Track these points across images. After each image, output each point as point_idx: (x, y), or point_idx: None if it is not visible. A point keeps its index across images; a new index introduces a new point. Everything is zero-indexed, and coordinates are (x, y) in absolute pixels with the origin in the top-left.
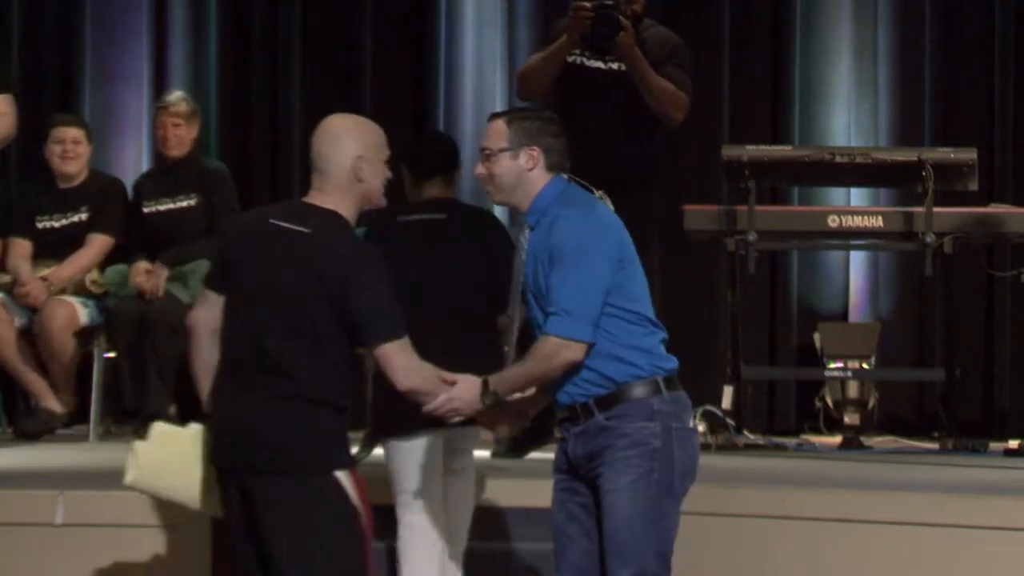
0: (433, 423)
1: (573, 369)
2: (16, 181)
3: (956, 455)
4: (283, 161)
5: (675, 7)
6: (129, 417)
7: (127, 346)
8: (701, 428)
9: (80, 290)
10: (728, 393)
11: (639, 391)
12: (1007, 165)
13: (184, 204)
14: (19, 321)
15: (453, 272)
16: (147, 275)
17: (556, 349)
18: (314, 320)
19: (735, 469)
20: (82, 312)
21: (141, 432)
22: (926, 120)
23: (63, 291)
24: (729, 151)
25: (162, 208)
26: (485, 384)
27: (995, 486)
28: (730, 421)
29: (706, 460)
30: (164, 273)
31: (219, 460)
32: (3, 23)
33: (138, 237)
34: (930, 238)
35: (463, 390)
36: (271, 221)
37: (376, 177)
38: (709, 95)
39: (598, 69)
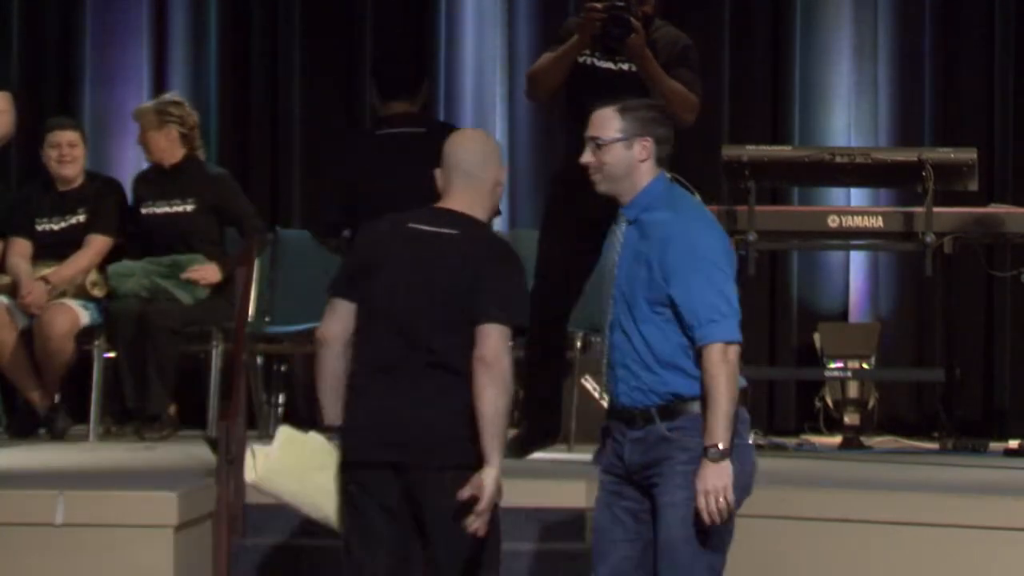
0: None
1: (683, 363)
2: (16, 181)
3: (956, 455)
4: (283, 161)
5: (675, 7)
6: (129, 417)
7: (127, 346)
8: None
9: (80, 292)
10: None
11: (700, 407)
12: (1007, 165)
13: (181, 209)
14: (21, 323)
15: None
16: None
17: (724, 352)
18: (467, 315)
19: None
20: (83, 315)
21: (141, 432)
22: (926, 120)
23: (63, 294)
24: (729, 151)
25: (159, 211)
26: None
27: (995, 486)
28: None
29: None
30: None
31: (375, 456)
32: (3, 23)
33: (136, 237)
34: (930, 238)
35: (710, 476)
36: (411, 225)
37: (499, 199)
38: (709, 95)
39: (608, 70)
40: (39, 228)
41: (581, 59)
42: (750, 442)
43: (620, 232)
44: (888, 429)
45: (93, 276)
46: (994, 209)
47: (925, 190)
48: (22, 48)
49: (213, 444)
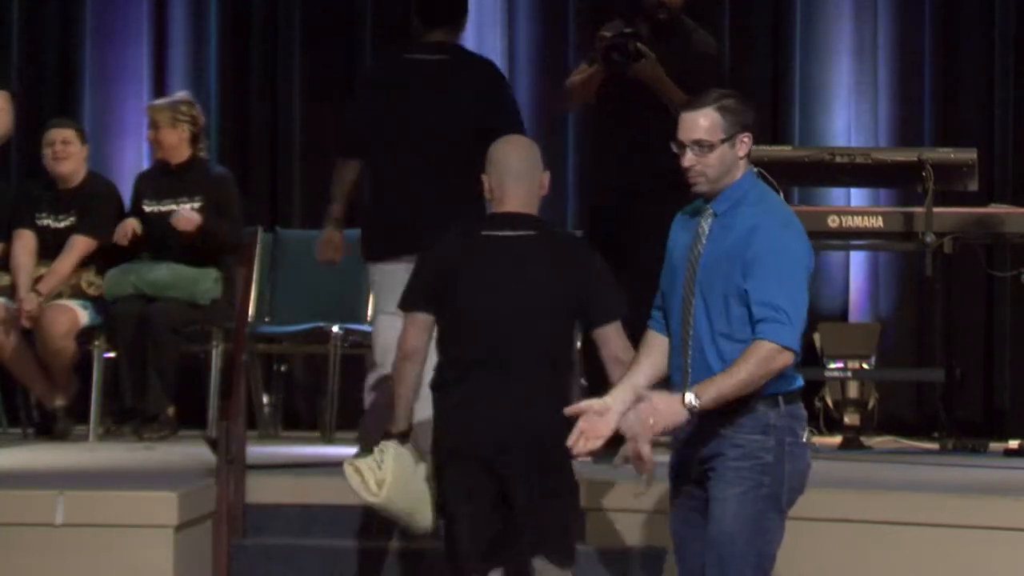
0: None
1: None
2: (17, 181)
3: (956, 455)
4: (283, 161)
5: None
6: (129, 417)
7: (127, 346)
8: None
9: (77, 292)
10: None
11: (757, 404)
12: (1007, 165)
13: (188, 207)
14: (17, 317)
15: (452, 115)
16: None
17: (774, 355)
18: (558, 315)
19: None
20: (83, 314)
21: (141, 432)
22: (926, 120)
23: (60, 295)
24: None
25: (165, 209)
26: (684, 397)
27: (995, 486)
28: None
29: None
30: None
31: (482, 452)
32: (3, 23)
33: (140, 236)
34: (930, 238)
35: (664, 403)
36: (484, 233)
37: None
38: None
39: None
40: (39, 224)
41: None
42: (804, 440)
43: (705, 225)
44: (888, 429)
45: (89, 276)
46: (994, 209)
47: (925, 190)
48: (22, 48)
49: (213, 444)
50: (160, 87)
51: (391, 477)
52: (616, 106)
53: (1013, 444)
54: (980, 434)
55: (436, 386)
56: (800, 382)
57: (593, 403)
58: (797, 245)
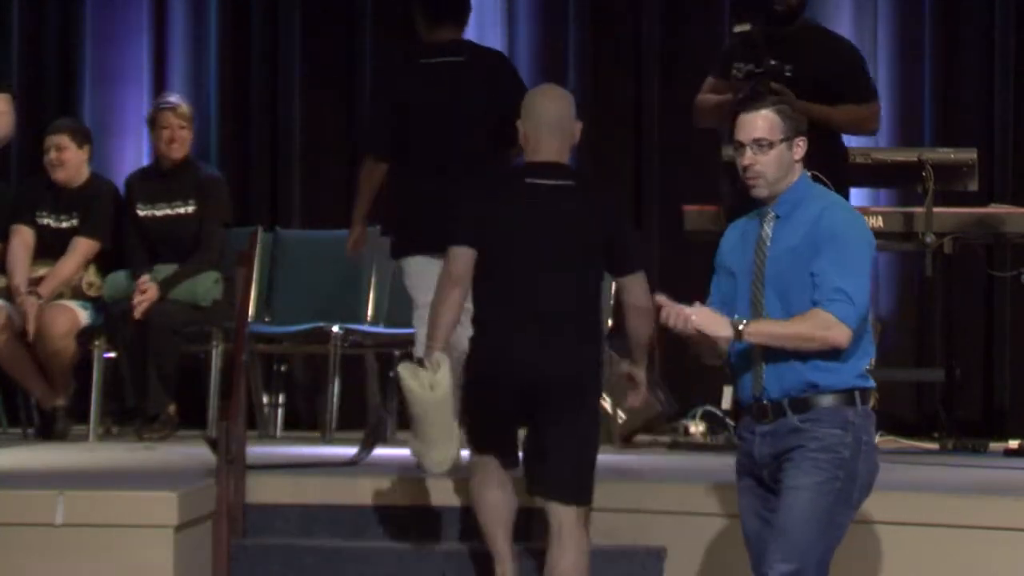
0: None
1: (819, 354)
2: (17, 181)
3: (956, 455)
4: (283, 161)
5: (675, 7)
6: (129, 417)
7: (127, 346)
8: (701, 428)
9: (77, 294)
10: (728, 393)
11: (836, 400)
12: (1007, 165)
13: (182, 211)
14: (20, 322)
15: (474, 112)
16: (143, 294)
17: (831, 324)
18: (591, 260)
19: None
20: (83, 315)
21: (141, 432)
22: (926, 120)
23: (61, 295)
24: (729, 151)
25: (159, 213)
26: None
27: (995, 486)
28: (730, 421)
29: (706, 460)
30: (155, 295)
31: (513, 381)
32: (3, 23)
33: (134, 240)
34: (930, 238)
35: (714, 313)
36: (527, 180)
37: None
38: None
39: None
40: (39, 222)
41: (734, 70)
42: (875, 442)
43: (768, 229)
44: (888, 429)
45: (89, 277)
46: (994, 209)
47: (925, 190)
48: (22, 48)
49: (213, 444)
50: (160, 87)
51: (445, 382)
52: None
53: (1013, 444)
54: (980, 434)
55: (475, 320)
56: (873, 383)
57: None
58: (862, 233)
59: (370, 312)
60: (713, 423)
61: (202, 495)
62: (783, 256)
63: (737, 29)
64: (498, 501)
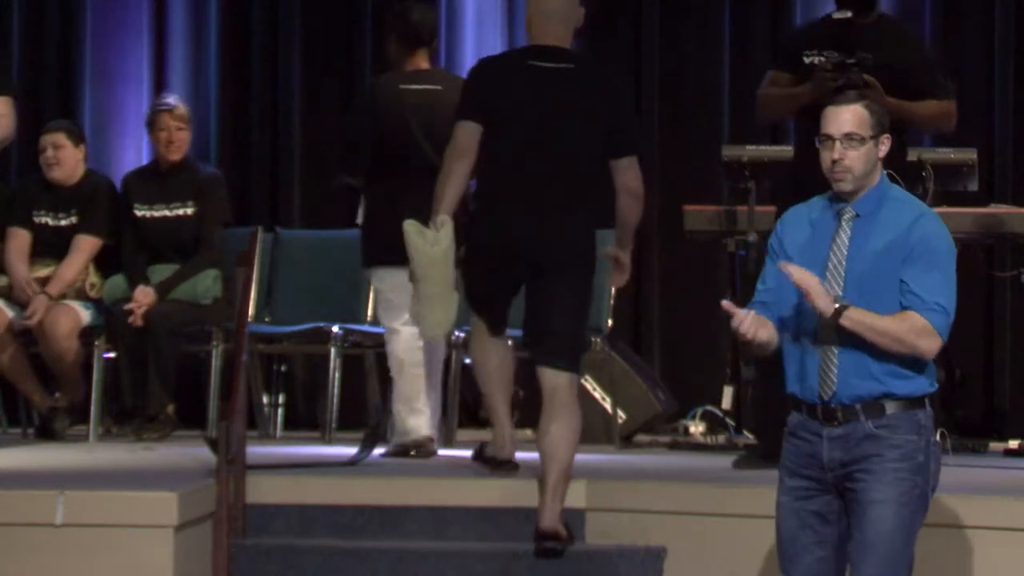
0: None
1: (899, 361)
2: (16, 179)
3: (956, 455)
4: (283, 162)
5: (676, 7)
6: (129, 417)
7: (126, 346)
8: (701, 428)
9: (79, 295)
10: (728, 393)
11: (908, 404)
12: (1007, 165)
13: (181, 212)
14: (20, 323)
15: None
16: (139, 302)
17: (927, 333)
18: (590, 143)
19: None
20: (85, 315)
21: (140, 433)
22: None
23: (64, 296)
24: (729, 151)
25: (157, 214)
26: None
27: (995, 486)
28: (730, 421)
29: (706, 460)
30: (151, 301)
31: (513, 249)
32: (3, 23)
33: (131, 241)
34: None
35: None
36: (530, 62)
37: None
38: (709, 95)
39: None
40: (36, 221)
41: (808, 60)
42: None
43: (847, 226)
44: None
45: (91, 278)
46: (994, 209)
47: (925, 190)
48: (22, 48)
49: (213, 444)
50: (160, 87)
51: (447, 241)
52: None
53: (1013, 444)
54: (980, 434)
55: (478, 193)
56: (937, 385)
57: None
58: (951, 245)
59: (370, 312)
60: (713, 423)
61: (202, 495)
62: (867, 257)
63: (837, 16)
64: (496, 363)
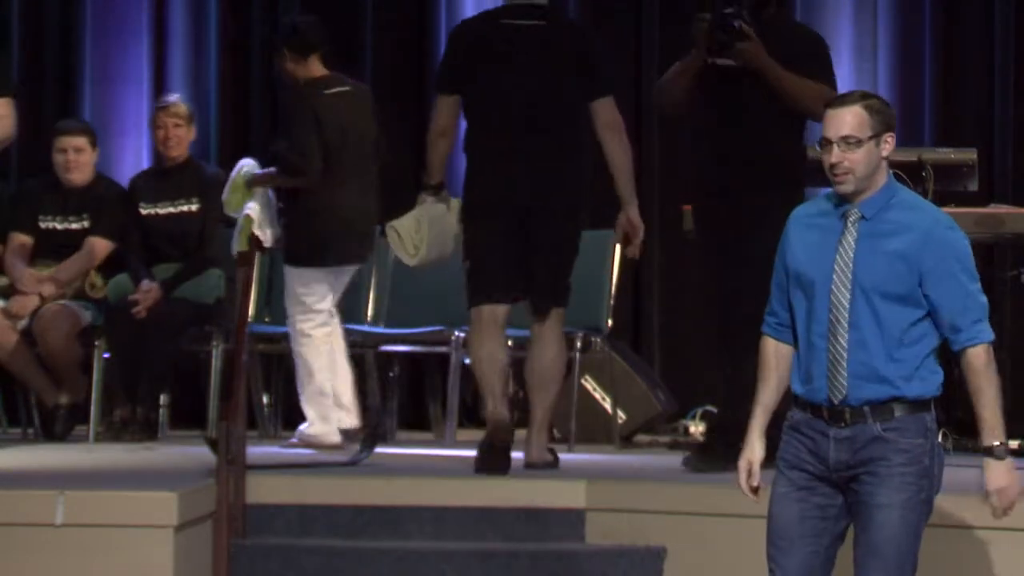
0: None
1: (912, 366)
2: (17, 180)
3: (956, 455)
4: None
5: (675, 8)
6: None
7: (122, 347)
8: (701, 428)
9: (80, 295)
10: None
11: (916, 406)
12: (1007, 165)
13: (185, 208)
14: (22, 324)
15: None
16: (144, 295)
17: (991, 356)
18: (575, 88)
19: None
20: (84, 315)
21: (139, 436)
22: (926, 120)
23: (63, 296)
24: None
25: (162, 211)
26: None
27: None
28: None
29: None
30: (156, 296)
31: (507, 202)
32: (3, 23)
33: (136, 239)
34: None
35: (1000, 480)
36: (503, 21)
37: None
38: None
39: (733, 66)
40: (43, 226)
41: (709, 60)
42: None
43: (853, 228)
44: None
45: (92, 278)
46: (994, 209)
47: (925, 190)
48: (22, 48)
49: (213, 444)
50: (160, 87)
51: (427, 242)
52: (714, 101)
53: (1013, 444)
54: (980, 434)
55: (467, 148)
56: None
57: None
58: (966, 245)
59: (370, 312)
60: (713, 423)
61: (202, 495)
62: (875, 261)
63: (727, 11)
64: (494, 353)
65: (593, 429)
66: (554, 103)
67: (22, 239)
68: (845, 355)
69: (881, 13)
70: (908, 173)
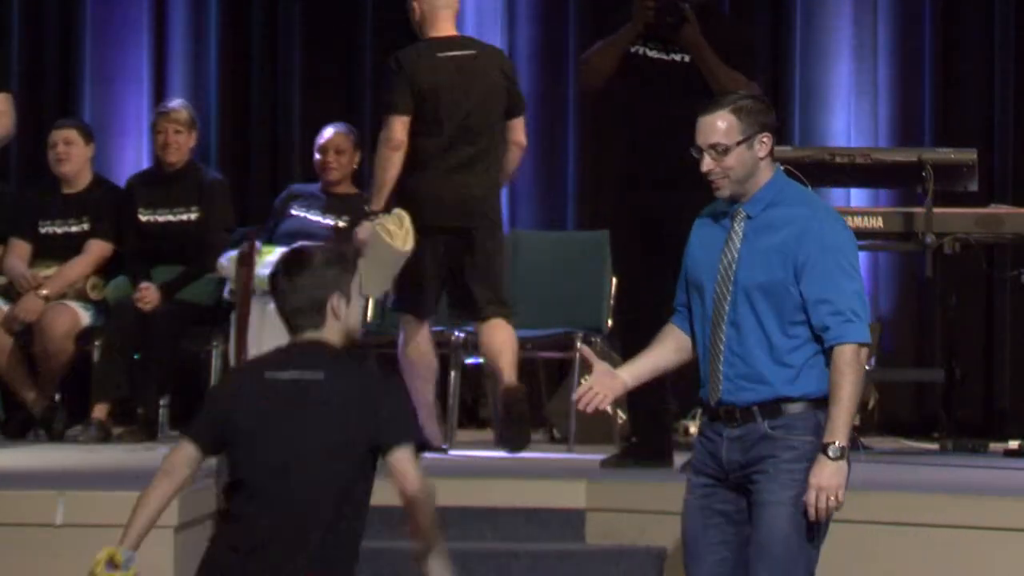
0: None
1: (792, 366)
2: (17, 183)
3: (956, 455)
4: (283, 162)
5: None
6: (126, 418)
7: (121, 348)
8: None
9: (80, 296)
10: None
11: (807, 405)
12: (1007, 165)
13: (185, 217)
14: (18, 325)
15: None
16: (144, 293)
17: (858, 354)
18: (503, 108)
19: None
20: (83, 316)
21: (137, 434)
22: (926, 120)
23: (63, 296)
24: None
25: (161, 219)
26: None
27: (995, 486)
28: None
29: None
30: (156, 299)
31: (446, 217)
32: (3, 23)
33: (135, 244)
34: (930, 239)
35: (822, 476)
36: (439, 55)
37: None
38: (708, 94)
39: (661, 60)
40: (42, 231)
41: (633, 50)
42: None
43: (739, 228)
44: (888, 429)
45: (93, 279)
46: (994, 209)
47: (925, 191)
48: (22, 48)
49: None
50: (160, 87)
51: (412, 232)
52: (639, 91)
53: (1013, 444)
54: (980, 434)
55: (411, 168)
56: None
57: (604, 364)
58: (848, 242)
59: (371, 312)
60: None
61: (202, 495)
62: (756, 260)
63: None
64: (426, 360)
65: (593, 429)
66: (491, 124)
67: (20, 245)
68: (727, 353)
69: (881, 13)
70: (908, 173)
